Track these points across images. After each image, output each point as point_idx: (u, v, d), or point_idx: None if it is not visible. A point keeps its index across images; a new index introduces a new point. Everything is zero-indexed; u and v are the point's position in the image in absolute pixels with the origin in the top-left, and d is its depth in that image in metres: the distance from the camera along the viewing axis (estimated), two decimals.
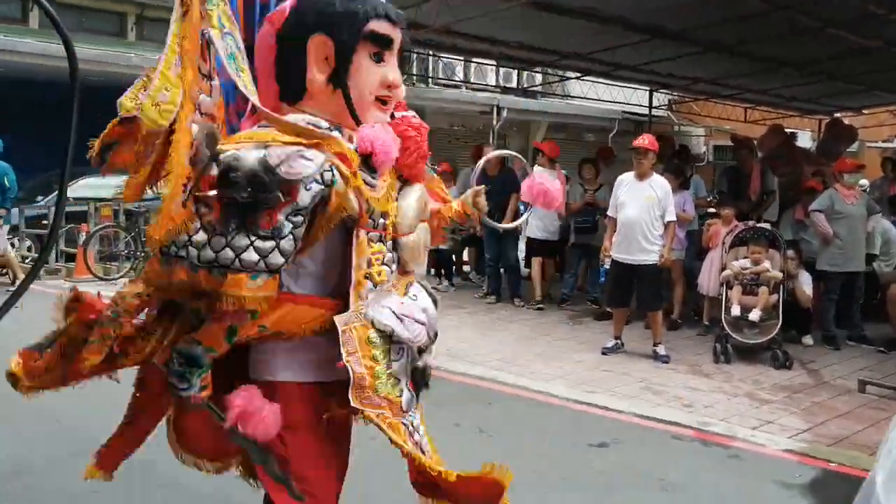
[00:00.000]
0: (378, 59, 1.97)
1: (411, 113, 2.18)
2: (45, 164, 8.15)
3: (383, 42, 1.96)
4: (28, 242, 9.84)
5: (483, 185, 2.35)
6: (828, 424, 4.92)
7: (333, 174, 1.78)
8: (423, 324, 1.97)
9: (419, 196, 2.08)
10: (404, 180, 2.07)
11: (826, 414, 5.15)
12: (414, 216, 2.04)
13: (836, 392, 5.69)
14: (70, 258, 10.26)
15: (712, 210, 8.69)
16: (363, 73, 1.94)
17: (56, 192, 8.84)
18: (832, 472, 4.10)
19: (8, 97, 11.50)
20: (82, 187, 10.01)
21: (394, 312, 1.91)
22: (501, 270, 9.16)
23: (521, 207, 9.35)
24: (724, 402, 5.35)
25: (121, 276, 9.47)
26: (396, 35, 1.99)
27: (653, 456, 4.27)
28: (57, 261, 10.25)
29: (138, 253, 9.89)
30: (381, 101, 2.00)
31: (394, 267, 2.00)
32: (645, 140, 6.62)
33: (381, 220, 1.94)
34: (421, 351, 2.01)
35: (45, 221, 10.17)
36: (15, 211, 10.17)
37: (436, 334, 2.07)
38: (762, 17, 7.80)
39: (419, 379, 2.02)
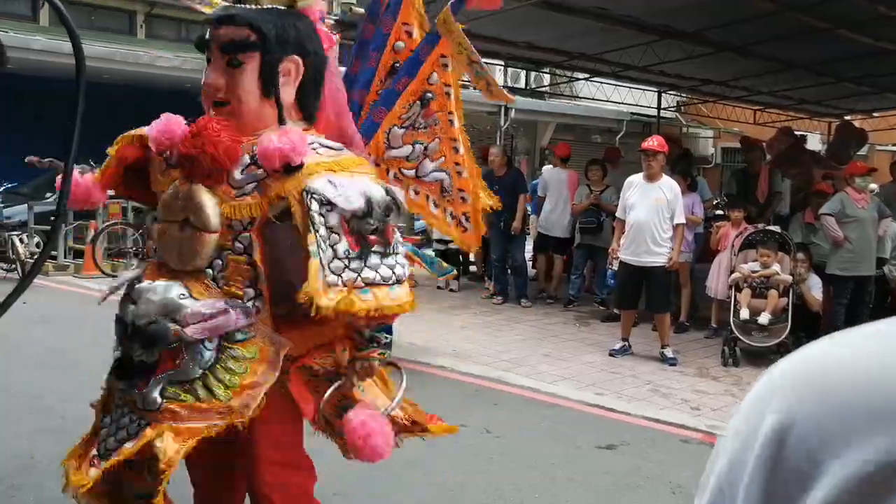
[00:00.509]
0: (209, 63, 2.05)
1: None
2: None
3: (204, 47, 2.03)
4: (37, 239, 9.86)
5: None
6: None
7: None
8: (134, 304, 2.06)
9: (171, 194, 2.04)
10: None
11: None
12: (159, 213, 2.09)
13: None
14: (78, 255, 10.28)
15: (719, 212, 8.64)
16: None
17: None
18: None
19: (18, 94, 11.53)
20: None
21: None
22: (508, 271, 9.13)
23: (529, 208, 9.33)
24: (733, 406, 5.30)
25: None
26: (216, 36, 2.00)
27: (660, 458, 4.24)
28: (65, 257, 10.27)
29: (145, 250, 9.89)
30: (214, 103, 2.03)
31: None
32: (654, 142, 6.58)
33: None
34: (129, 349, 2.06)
35: (52, 218, 10.19)
36: (24, 207, 10.22)
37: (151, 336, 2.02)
38: (771, 19, 7.75)
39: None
